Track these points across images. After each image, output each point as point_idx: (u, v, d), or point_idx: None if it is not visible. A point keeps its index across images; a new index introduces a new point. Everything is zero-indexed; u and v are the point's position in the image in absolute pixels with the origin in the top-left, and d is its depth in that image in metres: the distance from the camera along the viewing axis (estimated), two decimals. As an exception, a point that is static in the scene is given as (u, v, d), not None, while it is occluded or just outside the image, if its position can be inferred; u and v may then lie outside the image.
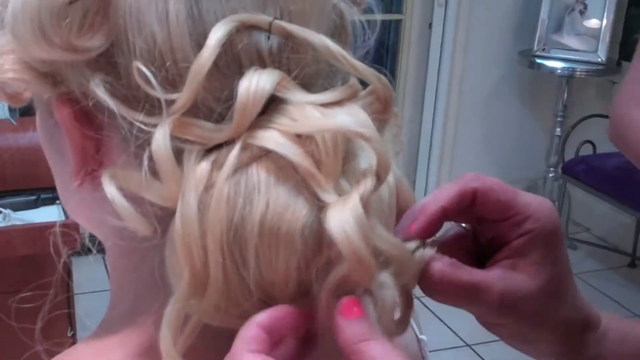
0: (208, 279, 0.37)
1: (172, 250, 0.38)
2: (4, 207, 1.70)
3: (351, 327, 0.37)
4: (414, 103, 3.62)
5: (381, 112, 0.42)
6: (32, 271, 1.73)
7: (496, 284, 0.46)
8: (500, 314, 0.47)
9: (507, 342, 0.52)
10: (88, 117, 0.42)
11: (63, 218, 1.73)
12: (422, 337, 0.60)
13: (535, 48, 3.38)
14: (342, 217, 0.36)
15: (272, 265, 0.38)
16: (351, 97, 0.40)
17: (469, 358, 2.66)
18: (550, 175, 3.46)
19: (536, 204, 0.48)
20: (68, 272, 1.50)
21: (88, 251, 0.49)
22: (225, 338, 0.39)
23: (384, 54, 3.55)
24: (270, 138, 0.38)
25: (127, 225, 0.40)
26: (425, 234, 0.46)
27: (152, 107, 0.39)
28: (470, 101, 3.57)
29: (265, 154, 0.38)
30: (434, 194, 0.48)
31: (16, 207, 1.72)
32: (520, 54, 3.45)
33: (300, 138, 0.38)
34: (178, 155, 0.38)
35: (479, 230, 0.50)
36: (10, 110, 1.96)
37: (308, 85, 0.41)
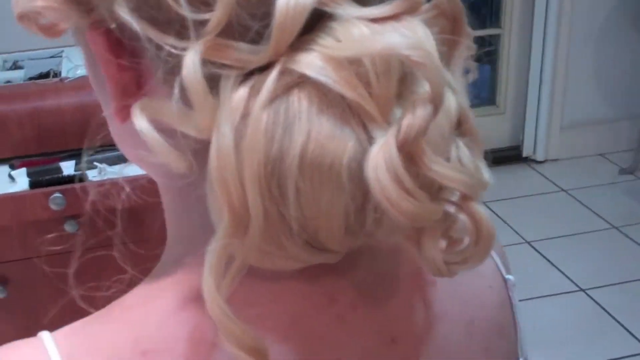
0: (249, 217, 0.35)
1: (210, 186, 0.35)
2: (100, 162, 1.75)
3: None
4: (521, 39, 3.47)
5: (450, 31, 0.38)
6: (132, 224, 1.77)
7: None
8: None
9: None
10: (122, 46, 0.39)
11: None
12: (509, 277, 0.56)
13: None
14: (376, 162, 0.34)
15: (315, 203, 0.35)
16: (411, 11, 0.36)
17: (582, 303, 2.58)
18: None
19: None
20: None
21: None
22: (276, 281, 0.36)
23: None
24: (311, 63, 0.34)
25: (161, 160, 0.37)
26: None
27: (186, 30, 0.35)
28: (581, 34, 3.39)
29: (308, 80, 0.34)
30: None
31: (111, 162, 1.76)
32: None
33: (347, 61, 0.34)
34: (215, 81, 0.35)
35: None
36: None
37: None
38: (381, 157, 0.33)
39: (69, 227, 1.72)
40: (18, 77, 1.95)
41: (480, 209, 0.38)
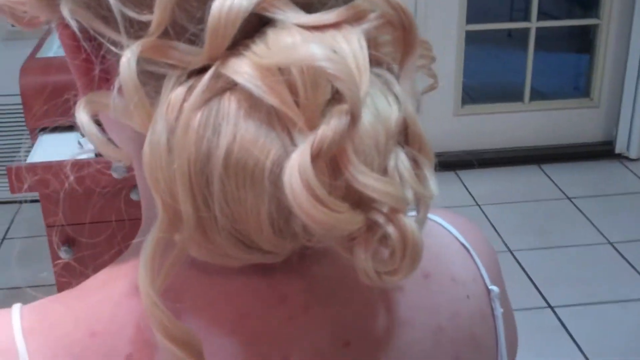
0: (180, 213, 0.35)
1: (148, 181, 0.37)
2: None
3: None
4: (620, 30, 3.32)
5: (402, 40, 0.38)
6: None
7: None
8: None
9: None
10: (89, 42, 0.40)
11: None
12: (493, 287, 0.54)
13: None
14: (291, 168, 0.34)
15: (240, 204, 0.35)
16: (355, 20, 0.36)
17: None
18: None
19: None
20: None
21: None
22: (226, 276, 0.37)
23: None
24: (239, 69, 0.35)
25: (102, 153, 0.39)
26: None
27: (131, 29, 0.37)
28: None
29: (238, 84, 0.35)
30: None
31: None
32: None
33: (276, 68, 0.35)
34: (160, 80, 0.36)
35: None
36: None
37: (312, 5, 0.37)
38: (296, 164, 0.34)
39: (134, 196, 1.77)
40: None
41: (407, 222, 0.37)
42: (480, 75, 4.15)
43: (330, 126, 0.34)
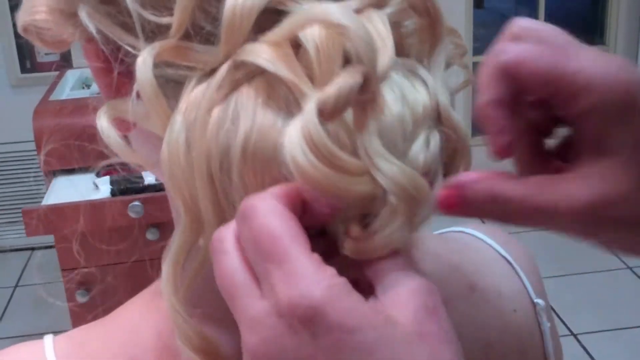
0: (200, 212, 0.34)
1: (166, 183, 0.36)
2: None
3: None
4: (626, 56, 3.33)
5: (428, 29, 0.37)
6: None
7: (565, 197, 0.34)
8: (587, 229, 0.35)
9: (606, 248, 0.38)
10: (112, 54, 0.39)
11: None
12: (538, 300, 0.53)
13: None
14: (291, 137, 0.32)
15: (260, 190, 0.33)
16: (377, 5, 0.35)
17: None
18: None
19: (592, 68, 0.33)
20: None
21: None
22: None
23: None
24: (253, 50, 0.34)
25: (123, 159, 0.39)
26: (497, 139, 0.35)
27: (150, 33, 0.36)
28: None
29: (259, 73, 0.34)
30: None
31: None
32: None
33: (293, 50, 0.34)
34: (180, 83, 0.36)
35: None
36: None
37: None
38: (298, 124, 0.32)
39: (150, 235, 1.76)
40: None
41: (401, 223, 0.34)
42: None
43: (336, 84, 0.32)
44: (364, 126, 0.33)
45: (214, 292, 0.33)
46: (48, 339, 0.44)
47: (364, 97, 0.33)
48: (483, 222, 0.40)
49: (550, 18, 3.52)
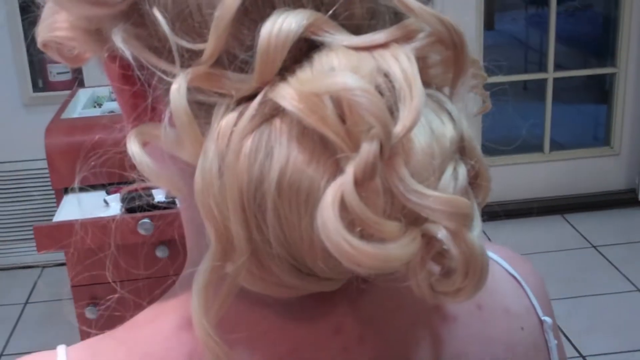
0: (233, 240, 0.35)
1: (199, 210, 0.36)
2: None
3: None
4: (637, 78, 3.33)
5: (453, 59, 0.37)
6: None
7: None
8: None
9: None
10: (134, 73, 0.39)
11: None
12: (546, 318, 0.53)
13: None
14: (323, 213, 0.33)
15: (294, 227, 0.35)
16: (404, 39, 0.36)
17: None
18: None
19: None
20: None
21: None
22: (280, 307, 0.36)
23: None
24: (286, 95, 0.34)
25: (154, 184, 0.39)
26: None
27: (182, 59, 0.36)
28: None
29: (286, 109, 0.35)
30: None
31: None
32: None
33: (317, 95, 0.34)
34: (210, 109, 0.36)
35: None
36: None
37: (358, 27, 0.36)
38: (329, 199, 0.33)
39: (159, 253, 1.76)
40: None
41: (472, 239, 0.35)
42: (499, 128, 4.15)
43: (362, 154, 0.33)
44: (394, 171, 0.34)
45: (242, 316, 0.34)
46: (61, 349, 0.44)
47: (384, 159, 0.34)
48: (490, 240, 0.41)
49: (561, 41, 3.52)
